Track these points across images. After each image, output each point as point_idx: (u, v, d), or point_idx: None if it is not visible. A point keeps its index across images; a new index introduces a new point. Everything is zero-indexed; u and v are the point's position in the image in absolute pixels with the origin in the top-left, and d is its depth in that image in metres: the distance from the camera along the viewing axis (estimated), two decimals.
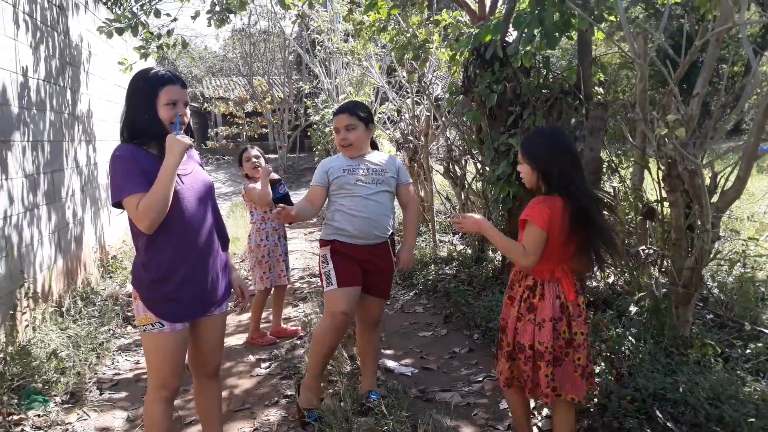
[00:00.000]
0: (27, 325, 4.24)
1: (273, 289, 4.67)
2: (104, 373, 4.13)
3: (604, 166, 4.37)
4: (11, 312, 4.06)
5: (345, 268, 3.20)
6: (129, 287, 5.58)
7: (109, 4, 9.54)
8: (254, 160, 4.51)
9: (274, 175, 4.18)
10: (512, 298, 2.64)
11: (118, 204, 2.36)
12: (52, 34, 5.33)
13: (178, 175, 2.39)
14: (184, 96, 2.45)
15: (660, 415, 2.77)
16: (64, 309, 4.77)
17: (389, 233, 3.31)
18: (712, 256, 3.41)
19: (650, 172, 3.83)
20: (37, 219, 4.69)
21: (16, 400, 3.43)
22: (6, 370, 3.64)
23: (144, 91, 2.40)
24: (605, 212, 4.65)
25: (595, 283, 4.58)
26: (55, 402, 3.59)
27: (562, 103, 4.66)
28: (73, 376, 3.83)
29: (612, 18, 4.39)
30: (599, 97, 4.79)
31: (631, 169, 4.60)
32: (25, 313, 4.24)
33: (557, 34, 4.02)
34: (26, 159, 4.54)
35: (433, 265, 5.97)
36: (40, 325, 4.34)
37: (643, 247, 3.91)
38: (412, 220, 3.45)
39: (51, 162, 5.09)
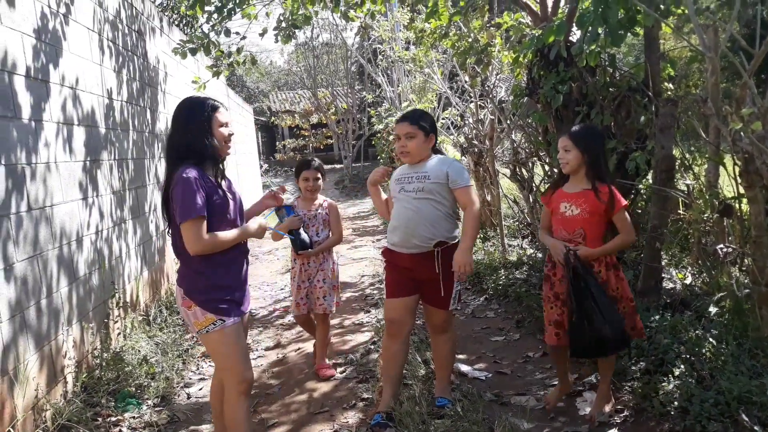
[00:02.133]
0: (119, 333, 4.52)
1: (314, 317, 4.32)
2: (190, 378, 4.34)
3: (676, 163, 4.27)
4: (105, 320, 4.34)
5: (392, 279, 3.42)
6: None
7: (182, 26, 10.00)
8: (312, 182, 4.14)
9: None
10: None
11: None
12: (132, 57, 5.66)
13: (232, 192, 2.80)
14: (230, 119, 2.83)
15: (746, 419, 2.69)
16: (150, 318, 5.05)
17: (433, 243, 3.23)
18: None
19: (726, 168, 3.72)
20: (124, 233, 4.99)
21: (113, 403, 3.68)
22: (103, 375, 3.90)
23: (200, 115, 2.67)
24: (680, 210, 4.59)
25: (671, 284, 4.47)
26: (147, 405, 3.81)
27: (630, 101, 4.59)
28: (163, 381, 4.06)
29: (680, 11, 4.30)
30: (669, 93, 4.68)
31: (705, 166, 4.47)
32: (116, 321, 4.52)
33: (622, 31, 3.97)
34: (113, 176, 4.85)
35: (502, 270, 5.96)
36: (130, 333, 4.61)
37: (722, 245, 3.79)
38: (467, 222, 3.22)
39: (135, 179, 5.40)
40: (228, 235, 2.64)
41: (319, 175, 4.17)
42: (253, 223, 2.84)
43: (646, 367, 3.36)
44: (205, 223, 2.56)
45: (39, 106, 3.68)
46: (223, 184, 2.74)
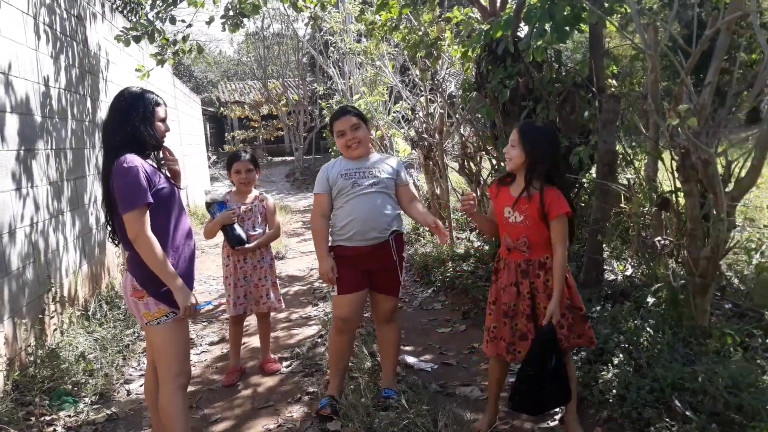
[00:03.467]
0: (55, 329, 4.35)
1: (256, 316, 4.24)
2: (131, 375, 4.22)
3: (618, 158, 4.37)
4: (40, 316, 4.17)
5: (345, 275, 3.34)
6: None
7: (126, 12, 9.69)
8: (244, 174, 4.02)
9: (211, 198, 3.93)
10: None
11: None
12: (71, 43, 5.45)
13: (172, 183, 2.70)
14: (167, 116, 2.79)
15: (679, 405, 2.79)
16: (90, 313, 4.88)
17: (389, 233, 3.32)
18: (728, 245, 3.42)
19: (664, 163, 3.83)
20: (62, 225, 4.81)
21: (47, 402, 3.54)
22: (37, 373, 3.75)
23: (144, 107, 2.64)
24: (622, 204, 4.68)
25: (612, 276, 4.59)
26: (84, 403, 3.69)
27: (575, 96, 4.67)
28: (101, 378, 3.93)
29: (623, 10, 4.39)
30: (612, 89, 4.79)
31: (645, 161, 4.59)
32: (53, 317, 4.35)
33: (568, 27, 4.04)
34: (50, 166, 4.66)
35: (450, 262, 6.00)
36: (68, 329, 4.45)
37: (659, 238, 3.91)
38: (421, 208, 3.48)
39: (73, 169, 5.21)
40: (163, 258, 2.51)
41: (252, 167, 4.04)
42: (186, 290, 2.60)
43: (587, 357, 3.44)
44: (148, 213, 2.49)
45: None
46: (159, 171, 2.68)
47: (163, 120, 2.72)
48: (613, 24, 4.22)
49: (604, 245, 4.50)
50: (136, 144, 2.60)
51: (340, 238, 3.36)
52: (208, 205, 3.89)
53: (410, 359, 4.05)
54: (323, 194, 3.38)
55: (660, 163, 4.02)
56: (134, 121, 2.60)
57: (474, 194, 2.99)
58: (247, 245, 3.88)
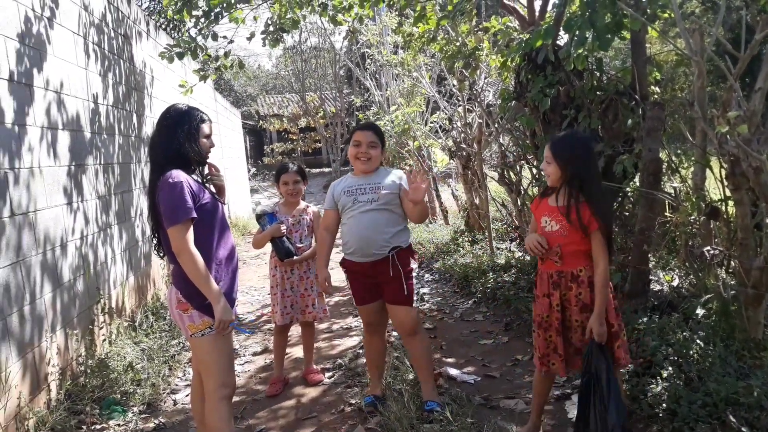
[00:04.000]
0: (104, 339, 4.46)
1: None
2: (177, 384, 4.29)
3: (663, 166, 4.29)
4: (90, 327, 4.29)
5: (356, 288, 3.54)
6: None
7: (169, 30, 9.94)
8: (292, 186, 4.08)
9: (261, 210, 4.02)
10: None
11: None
12: (118, 61, 5.62)
13: (216, 198, 2.77)
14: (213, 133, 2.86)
15: (734, 420, 2.69)
16: (136, 323, 5.00)
17: (388, 249, 3.34)
18: None
19: (712, 171, 3.74)
20: (109, 238, 4.94)
21: (98, 411, 3.63)
22: (87, 382, 3.85)
23: (189, 124, 2.70)
24: (668, 213, 4.58)
25: (659, 286, 4.49)
26: (133, 412, 3.77)
27: (618, 104, 4.60)
28: (149, 388, 4.01)
29: (666, 15, 4.32)
30: (655, 96, 4.71)
31: (692, 169, 4.49)
32: (102, 327, 4.47)
33: (609, 35, 3.99)
34: (98, 181, 4.80)
35: (491, 273, 5.96)
36: (116, 340, 4.56)
37: (708, 247, 3.81)
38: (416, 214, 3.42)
39: (121, 183, 5.35)
40: (205, 272, 2.55)
41: (299, 178, 4.09)
42: (226, 308, 2.62)
43: (635, 369, 3.36)
44: (192, 227, 2.54)
45: (22, 110, 3.63)
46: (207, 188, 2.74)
47: (208, 136, 2.78)
48: (655, 30, 4.16)
49: (650, 255, 4.41)
50: (182, 160, 2.66)
51: (346, 253, 3.49)
52: (258, 217, 3.97)
53: (453, 371, 4.02)
54: (329, 210, 3.53)
55: (708, 171, 3.92)
56: (180, 138, 2.66)
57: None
58: (294, 257, 3.92)
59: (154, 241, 2.75)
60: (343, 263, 3.53)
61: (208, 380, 2.72)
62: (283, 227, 3.93)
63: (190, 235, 2.53)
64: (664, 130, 4.46)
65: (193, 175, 2.71)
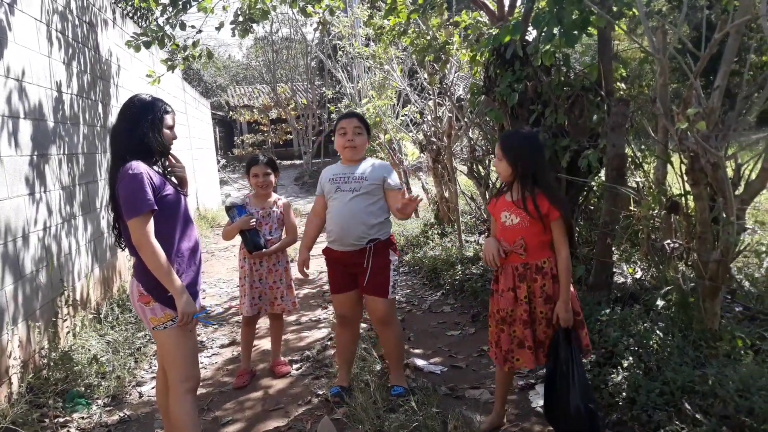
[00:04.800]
0: (68, 332, 4.40)
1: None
2: (142, 377, 4.26)
3: (627, 161, 4.37)
4: (53, 319, 4.22)
5: (334, 276, 3.59)
6: None
7: (136, 18, 9.77)
8: (262, 178, 4.05)
9: (231, 202, 3.98)
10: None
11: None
12: (83, 50, 5.51)
13: (178, 191, 2.73)
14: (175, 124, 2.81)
15: (689, 408, 2.78)
16: (102, 316, 4.93)
17: (366, 241, 3.39)
18: (738, 248, 3.41)
19: (673, 167, 3.83)
20: (74, 229, 4.86)
21: (60, 403, 3.58)
22: (51, 375, 3.79)
23: (153, 114, 2.67)
24: (631, 207, 4.68)
25: (622, 279, 4.58)
26: (97, 405, 3.73)
27: (584, 100, 4.68)
28: (114, 380, 3.97)
29: (631, 13, 4.40)
30: (621, 93, 4.79)
31: (654, 164, 4.59)
32: (65, 320, 4.40)
33: (576, 32, 4.05)
34: (62, 171, 4.71)
35: (459, 265, 6.01)
36: (80, 332, 4.49)
37: (669, 241, 3.91)
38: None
39: (85, 174, 5.26)
40: (165, 264, 2.52)
41: (269, 171, 4.06)
42: (188, 300, 2.59)
43: (597, 360, 3.43)
44: (152, 219, 2.51)
45: None
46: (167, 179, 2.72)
47: (171, 128, 2.74)
48: (621, 28, 4.23)
49: (613, 248, 4.50)
50: (144, 151, 2.63)
51: (328, 241, 3.55)
52: (228, 209, 3.94)
53: (420, 362, 4.06)
54: (320, 196, 3.60)
55: (669, 167, 4.01)
56: (144, 128, 2.63)
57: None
58: (263, 250, 3.92)
59: (115, 233, 2.71)
60: (325, 250, 3.59)
61: (172, 373, 2.70)
62: (253, 220, 3.92)
63: (151, 227, 2.50)
64: (630, 126, 4.55)
65: (154, 167, 2.67)
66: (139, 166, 2.52)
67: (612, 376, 3.21)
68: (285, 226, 4.12)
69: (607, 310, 3.90)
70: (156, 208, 2.51)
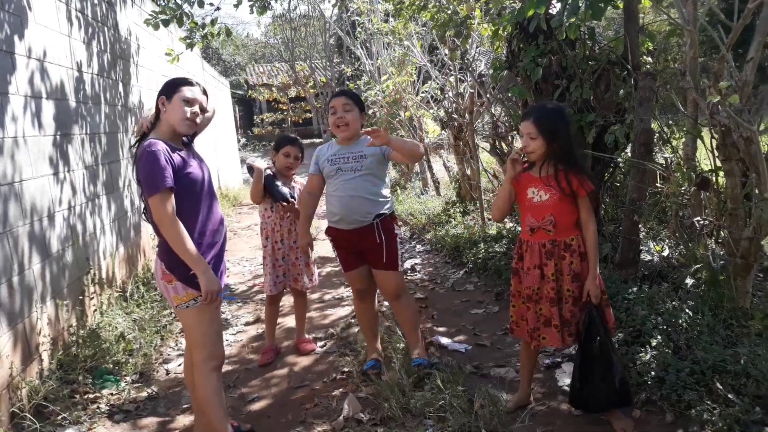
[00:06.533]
0: (95, 310, 4.45)
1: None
2: (169, 354, 4.30)
3: (654, 137, 4.28)
4: (80, 297, 4.27)
5: (343, 255, 3.62)
6: None
7: None
8: (293, 160, 4.06)
9: (252, 163, 3.98)
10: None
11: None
12: (102, 29, 5.50)
13: (202, 169, 2.72)
14: (201, 99, 2.72)
15: (720, 387, 2.74)
16: (127, 294, 4.98)
17: (372, 217, 3.39)
18: None
19: (703, 142, 3.74)
20: (98, 208, 4.90)
21: (90, 380, 3.63)
22: (79, 353, 3.84)
23: (165, 90, 2.68)
24: (658, 183, 4.60)
25: (649, 257, 4.52)
26: (125, 381, 3.78)
27: (610, 74, 4.58)
28: (141, 357, 4.02)
29: None
30: (647, 66, 4.68)
31: (683, 140, 4.49)
32: (92, 298, 4.45)
33: (602, 4, 3.94)
34: (85, 151, 4.73)
35: (482, 243, 5.97)
36: (107, 310, 4.55)
37: (698, 218, 3.83)
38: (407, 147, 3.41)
39: (108, 153, 5.28)
40: (187, 242, 2.50)
41: (300, 155, 4.09)
42: (211, 278, 2.57)
43: (624, 338, 3.40)
44: (172, 196, 2.50)
45: (4, 78, 3.55)
46: (193, 158, 2.71)
47: (189, 101, 2.66)
48: None
49: (640, 225, 4.43)
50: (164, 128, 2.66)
51: (330, 221, 3.54)
52: (250, 168, 3.97)
53: (444, 340, 4.05)
54: (314, 175, 3.60)
55: (699, 142, 3.92)
56: (157, 105, 2.66)
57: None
58: (292, 199, 3.94)
59: (143, 208, 2.71)
60: (328, 231, 3.60)
61: (196, 351, 2.72)
62: (268, 169, 3.96)
63: (171, 204, 2.49)
64: (656, 101, 4.45)
65: (174, 143, 2.66)
66: (156, 144, 2.51)
67: (640, 354, 3.17)
68: None
69: (635, 289, 3.85)
70: (173, 185, 2.50)
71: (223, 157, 13.42)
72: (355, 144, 3.48)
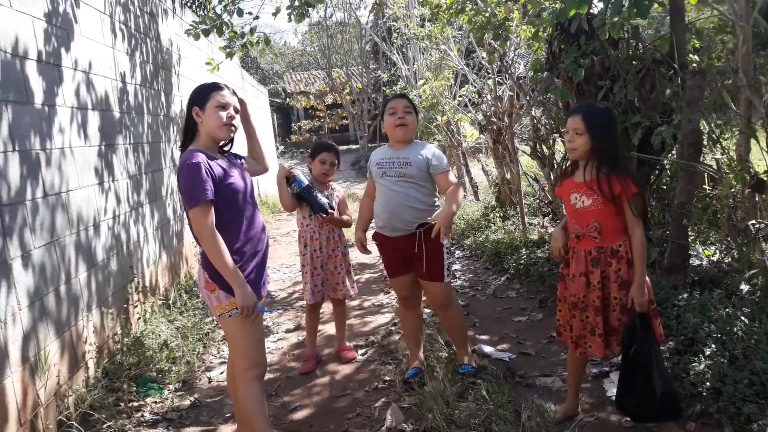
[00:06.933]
0: (139, 318, 4.50)
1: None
2: (211, 362, 4.32)
3: (704, 137, 4.13)
4: (124, 306, 4.33)
5: (388, 261, 3.59)
6: None
7: (195, 7, 9.90)
8: (329, 167, 4.00)
9: (295, 172, 3.88)
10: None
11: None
12: (144, 40, 5.60)
13: (243, 178, 2.70)
14: (233, 101, 2.69)
15: None
16: (170, 302, 5.04)
17: (415, 225, 3.33)
18: None
19: (758, 141, 3.59)
20: (141, 217, 4.97)
21: (134, 388, 3.67)
22: (124, 360, 3.89)
23: (196, 96, 2.67)
24: (706, 186, 4.44)
25: (697, 261, 4.36)
26: (169, 389, 3.80)
27: (656, 73, 4.45)
28: (184, 365, 4.05)
29: None
30: (693, 65, 4.53)
31: (735, 140, 4.33)
32: (136, 306, 4.51)
33: (647, 1, 3.83)
34: (129, 161, 4.81)
35: (523, 249, 5.87)
36: (150, 318, 4.60)
37: (753, 221, 3.68)
38: (450, 195, 3.24)
39: (151, 162, 5.36)
40: (225, 256, 2.49)
41: (336, 161, 4.05)
42: (247, 293, 2.55)
43: (676, 347, 3.27)
44: (212, 209, 2.50)
45: (52, 90, 3.63)
46: (234, 167, 2.70)
47: (224, 106, 2.63)
48: None
49: (689, 229, 4.28)
50: (193, 137, 2.66)
51: (377, 226, 3.52)
52: (288, 182, 3.89)
53: (487, 348, 3.97)
54: (369, 178, 3.63)
55: (753, 142, 3.77)
56: (189, 113, 2.66)
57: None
58: (331, 211, 3.89)
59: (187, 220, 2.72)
60: (375, 236, 3.57)
61: (239, 360, 2.71)
62: (293, 169, 3.89)
63: (211, 217, 2.48)
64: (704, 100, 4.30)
65: (213, 153, 2.66)
66: (197, 156, 2.51)
67: (693, 364, 3.04)
68: (339, 209, 4.08)
69: (685, 295, 3.71)
70: (213, 198, 2.49)
71: None
72: (405, 149, 3.42)
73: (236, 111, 2.72)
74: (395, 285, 3.64)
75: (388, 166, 3.40)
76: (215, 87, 2.69)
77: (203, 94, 2.67)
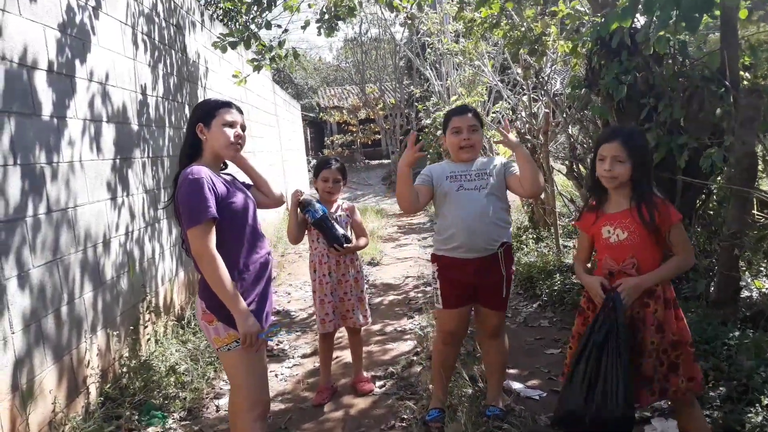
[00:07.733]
0: (149, 339, 4.32)
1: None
2: (221, 388, 4.09)
3: (758, 161, 3.80)
4: (133, 326, 4.14)
5: (450, 289, 3.12)
6: None
7: (226, 21, 9.87)
8: (332, 184, 3.73)
9: (307, 197, 3.57)
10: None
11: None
12: (169, 52, 5.48)
13: (231, 203, 2.41)
14: (240, 119, 2.54)
15: None
16: (184, 321, 4.85)
17: (498, 244, 3.01)
18: None
19: None
20: (158, 233, 4.81)
21: (137, 416, 3.46)
22: (129, 384, 3.70)
23: (200, 111, 2.51)
24: (756, 212, 4.08)
25: (747, 293, 3.99)
26: (173, 418, 3.59)
27: (704, 91, 4.12)
28: (191, 392, 3.83)
29: None
30: (746, 83, 4.20)
31: None
32: (146, 326, 4.32)
33: (697, 14, 3.54)
34: (146, 175, 4.66)
35: (558, 274, 5.53)
36: (162, 338, 4.41)
37: None
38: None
39: (170, 177, 5.21)
40: (226, 281, 2.27)
41: (340, 177, 3.75)
42: (250, 320, 2.33)
43: (728, 394, 2.94)
44: (213, 229, 2.29)
45: (62, 102, 3.49)
46: (237, 186, 2.50)
47: (230, 124, 2.47)
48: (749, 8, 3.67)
49: (740, 260, 3.93)
50: (194, 153, 2.49)
51: (447, 248, 3.08)
52: (301, 207, 3.59)
53: (516, 385, 3.67)
54: (423, 186, 3.10)
55: None
56: (190, 128, 2.49)
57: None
58: (347, 245, 3.61)
59: (183, 241, 2.50)
60: (440, 259, 3.14)
61: (239, 398, 2.47)
62: (304, 194, 3.57)
63: (212, 237, 2.27)
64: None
65: (222, 173, 2.47)
66: (199, 171, 2.31)
67: (750, 416, 2.70)
68: (354, 229, 3.84)
69: (737, 333, 3.37)
70: (216, 216, 2.28)
71: (291, 178, 13.43)
72: (475, 162, 3.13)
73: (243, 129, 2.53)
74: (447, 317, 3.17)
75: (464, 178, 3.05)
76: (222, 104, 2.52)
77: (209, 110, 2.49)
